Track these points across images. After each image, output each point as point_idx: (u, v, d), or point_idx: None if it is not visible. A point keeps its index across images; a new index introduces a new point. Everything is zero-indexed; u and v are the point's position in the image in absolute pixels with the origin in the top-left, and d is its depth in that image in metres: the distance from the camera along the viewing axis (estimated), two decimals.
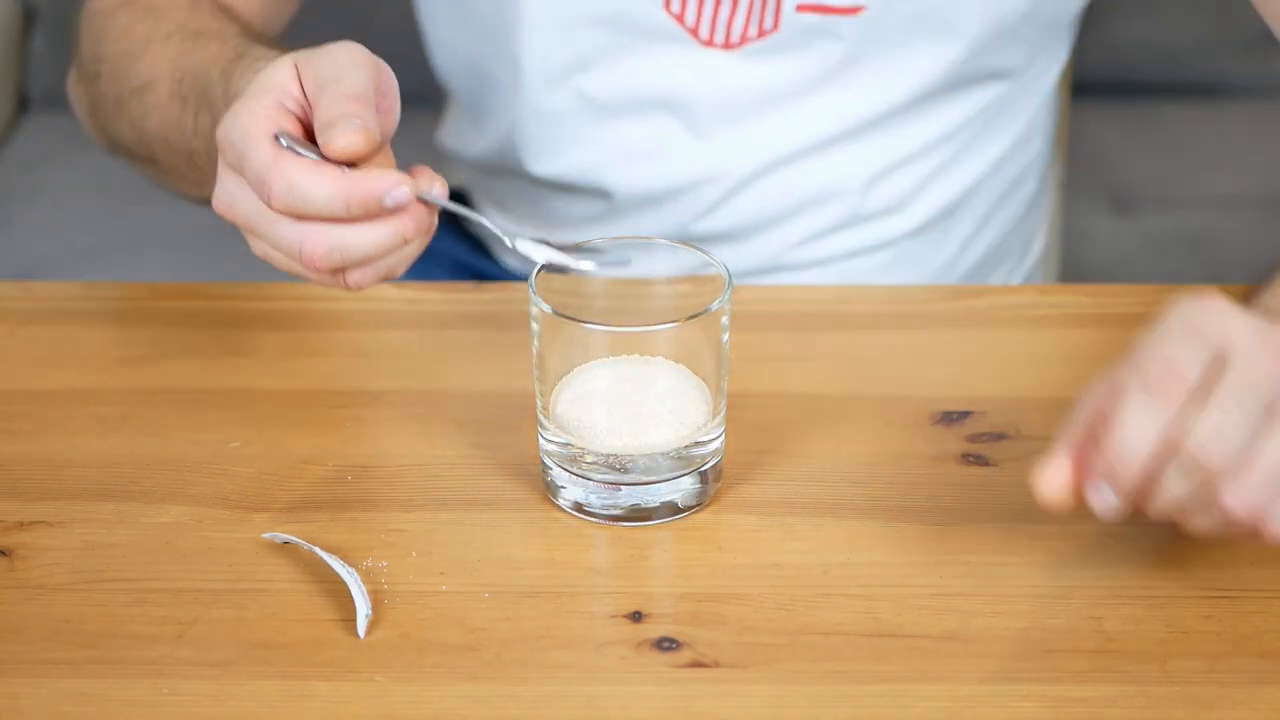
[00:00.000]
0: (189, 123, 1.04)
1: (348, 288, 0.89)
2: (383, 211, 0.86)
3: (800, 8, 1.14)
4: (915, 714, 0.80)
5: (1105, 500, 0.78)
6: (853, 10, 1.14)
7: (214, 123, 0.98)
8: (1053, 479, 0.79)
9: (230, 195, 0.89)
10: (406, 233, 0.87)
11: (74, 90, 1.21)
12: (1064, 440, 0.80)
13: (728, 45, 1.16)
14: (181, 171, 1.09)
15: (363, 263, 0.88)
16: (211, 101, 1.01)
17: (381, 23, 2.16)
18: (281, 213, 0.86)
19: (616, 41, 1.17)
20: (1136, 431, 0.76)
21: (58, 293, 1.11)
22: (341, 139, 0.85)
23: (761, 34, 1.15)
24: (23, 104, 2.27)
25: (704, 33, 1.15)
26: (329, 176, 0.85)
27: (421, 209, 0.87)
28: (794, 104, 1.19)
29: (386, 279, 0.89)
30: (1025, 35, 1.19)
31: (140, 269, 1.98)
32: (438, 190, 0.87)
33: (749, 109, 1.19)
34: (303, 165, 0.85)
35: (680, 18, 1.15)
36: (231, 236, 2.28)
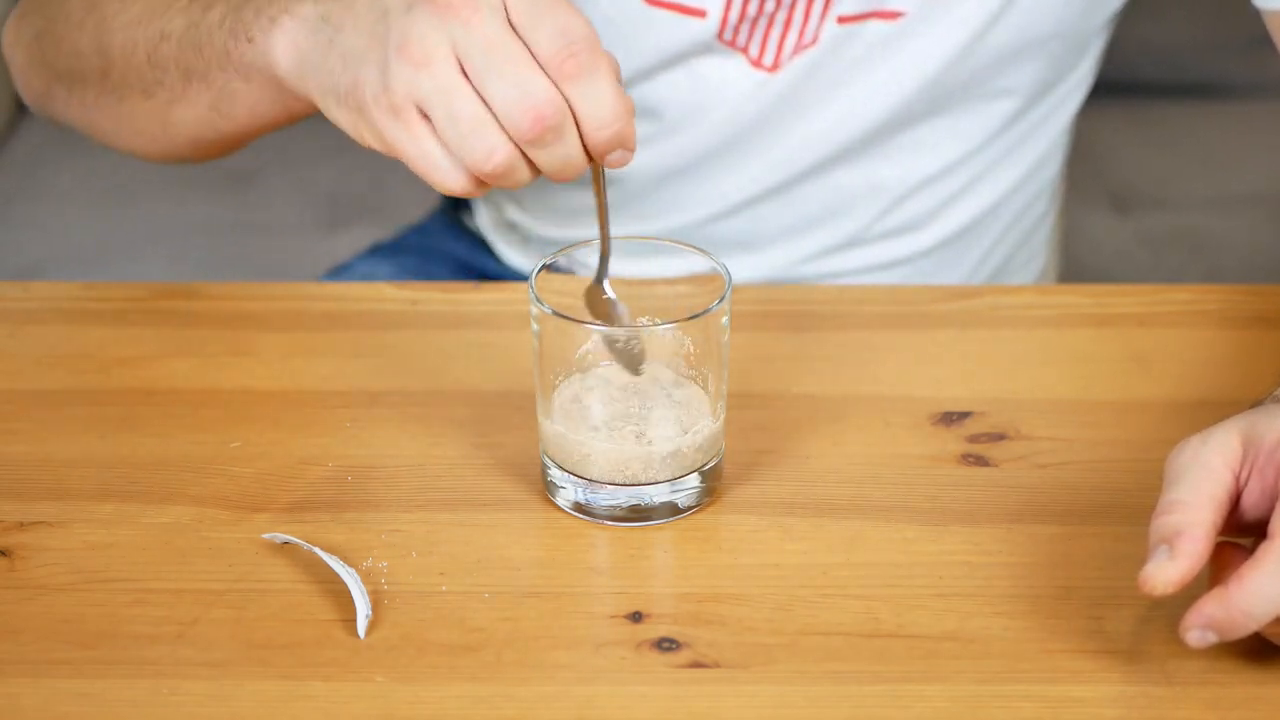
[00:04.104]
0: (181, 1, 1.01)
1: (491, 159, 0.85)
2: (597, 155, 0.86)
3: (841, 19, 1.14)
4: (915, 714, 0.80)
5: (1206, 641, 0.78)
6: (892, 15, 1.14)
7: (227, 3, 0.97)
8: (1171, 579, 0.78)
9: (470, 1, 0.85)
10: (579, 176, 0.86)
11: (15, 28, 1.16)
12: (1188, 536, 0.78)
13: (774, 67, 1.16)
14: (137, 72, 1.04)
15: (539, 163, 0.85)
16: None
17: None
18: (559, 69, 0.84)
19: (672, 59, 1.17)
20: (1268, 600, 0.77)
21: (58, 293, 1.11)
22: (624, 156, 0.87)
23: (800, 49, 1.15)
24: (23, 104, 2.27)
25: (754, 52, 1.15)
26: (621, 99, 0.85)
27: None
28: (815, 111, 1.18)
29: (473, 192, 0.87)
30: (1052, 50, 1.19)
31: (140, 269, 1.98)
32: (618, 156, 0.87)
33: (773, 119, 1.19)
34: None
35: (732, 43, 1.16)
36: (231, 237, 2.28)
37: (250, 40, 0.95)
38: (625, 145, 0.86)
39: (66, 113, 1.14)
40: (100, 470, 0.95)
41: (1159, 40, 2.22)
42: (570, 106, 0.85)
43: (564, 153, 0.86)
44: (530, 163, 0.86)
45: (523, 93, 0.84)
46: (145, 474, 0.95)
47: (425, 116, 0.86)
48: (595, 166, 0.88)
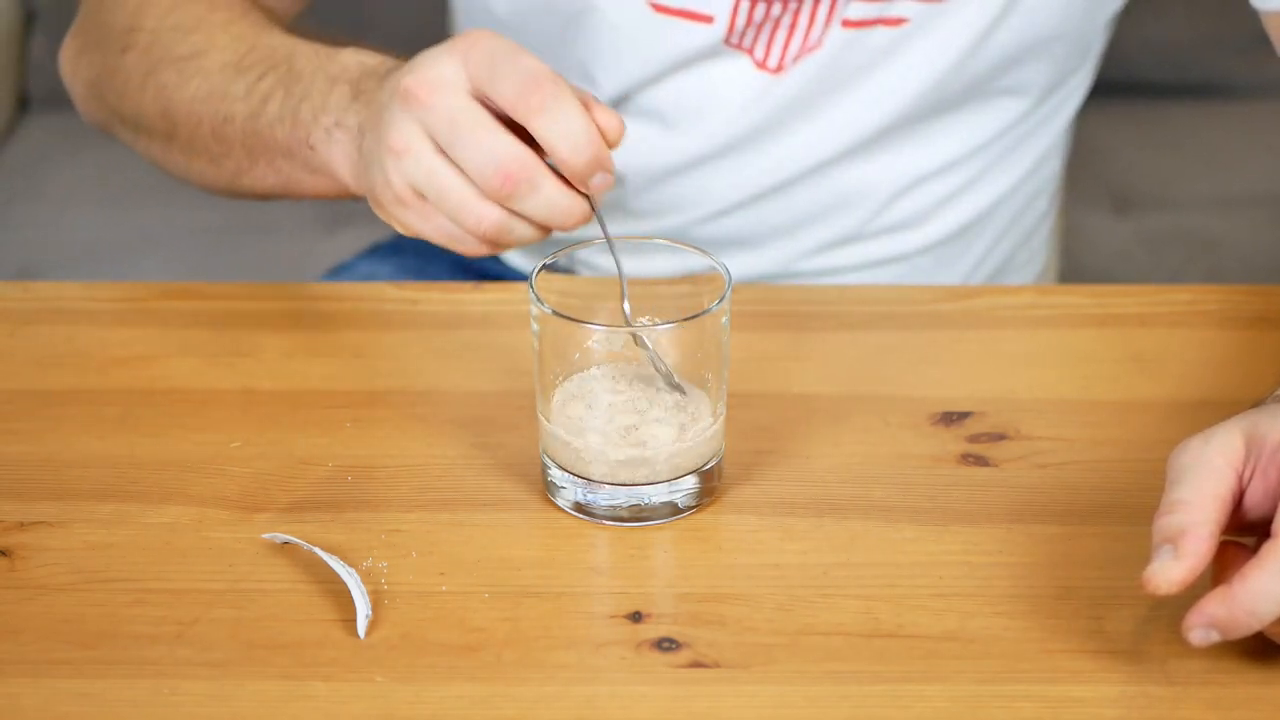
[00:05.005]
0: (239, 88, 1.04)
1: (481, 226, 0.89)
2: (579, 183, 0.88)
3: (846, 23, 1.14)
4: (915, 714, 0.80)
5: (1208, 640, 0.78)
6: (897, 21, 1.14)
7: (285, 89, 1.00)
8: (1175, 579, 0.78)
9: (430, 85, 0.88)
10: (576, 213, 0.88)
11: (74, 61, 1.19)
12: (1192, 536, 0.78)
13: (779, 70, 1.16)
14: (203, 143, 1.08)
15: (528, 215, 0.88)
16: (295, 69, 1.01)
17: (382, 15, 2.15)
18: (523, 107, 0.86)
19: (679, 64, 1.18)
20: (1272, 600, 0.77)
21: (58, 293, 1.11)
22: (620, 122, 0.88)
23: (804, 53, 1.15)
24: (23, 104, 2.27)
25: (759, 54, 1.16)
26: (590, 121, 0.87)
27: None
28: (818, 113, 1.18)
29: (494, 250, 0.91)
30: (1054, 51, 1.19)
31: (140, 269, 1.98)
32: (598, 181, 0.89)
33: (777, 121, 1.19)
34: (577, 94, 0.87)
35: (738, 46, 1.16)
36: (231, 237, 2.27)
37: (312, 148, 0.99)
38: (605, 169, 0.88)
39: (133, 147, 1.17)
40: (100, 470, 0.95)
41: (1160, 40, 2.21)
42: (543, 140, 0.87)
43: (545, 199, 0.88)
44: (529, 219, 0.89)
45: (487, 155, 0.87)
46: (145, 474, 0.95)
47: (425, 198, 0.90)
48: (590, 203, 0.89)
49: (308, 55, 1.02)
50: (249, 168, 1.06)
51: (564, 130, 0.86)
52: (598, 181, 0.88)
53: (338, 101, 0.97)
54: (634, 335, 0.90)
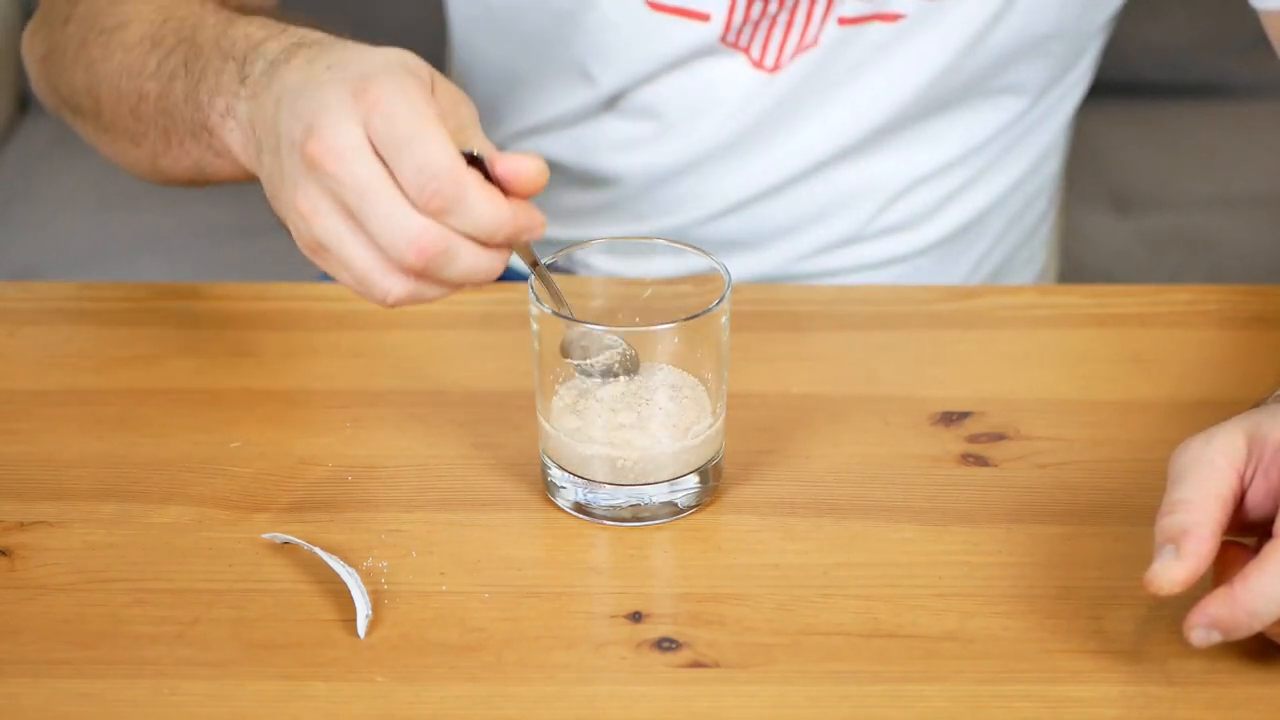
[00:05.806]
0: (151, 64, 1.01)
1: (389, 299, 0.85)
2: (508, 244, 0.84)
3: (843, 20, 1.14)
4: (915, 714, 0.80)
5: (1209, 640, 0.78)
6: (893, 17, 1.14)
7: (186, 67, 0.97)
8: (1177, 579, 0.78)
9: (334, 153, 0.83)
10: (497, 270, 0.84)
11: (30, 40, 1.17)
12: (1194, 536, 0.78)
13: (775, 68, 1.16)
14: (124, 122, 1.05)
15: (452, 280, 0.84)
16: (197, 43, 0.98)
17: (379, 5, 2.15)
18: (424, 208, 0.82)
19: (675, 62, 1.18)
20: (1273, 600, 0.77)
21: (58, 293, 1.11)
22: (534, 163, 0.83)
23: (800, 51, 1.15)
24: (23, 104, 2.27)
25: (755, 53, 1.16)
26: (501, 202, 0.82)
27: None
28: (815, 112, 1.18)
29: (413, 302, 0.86)
30: (1052, 50, 1.19)
31: (140, 269, 1.98)
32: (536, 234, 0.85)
33: (774, 120, 1.19)
34: (480, 178, 0.82)
35: (734, 44, 1.16)
36: (231, 237, 2.26)
37: (210, 132, 0.95)
38: (528, 229, 0.84)
39: (74, 130, 1.15)
40: (100, 470, 0.95)
41: (1159, 40, 2.21)
42: (456, 232, 0.83)
43: (466, 266, 0.84)
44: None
45: (399, 230, 0.83)
46: (145, 474, 0.95)
47: None
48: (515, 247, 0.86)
49: (209, 26, 0.97)
50: (164, 150, 1.02)
51: (472, 224, 0.82)
52: (525, 238, 0.84)
53: (228, 83, 0.93)
54: (592, 332, 0.89)
